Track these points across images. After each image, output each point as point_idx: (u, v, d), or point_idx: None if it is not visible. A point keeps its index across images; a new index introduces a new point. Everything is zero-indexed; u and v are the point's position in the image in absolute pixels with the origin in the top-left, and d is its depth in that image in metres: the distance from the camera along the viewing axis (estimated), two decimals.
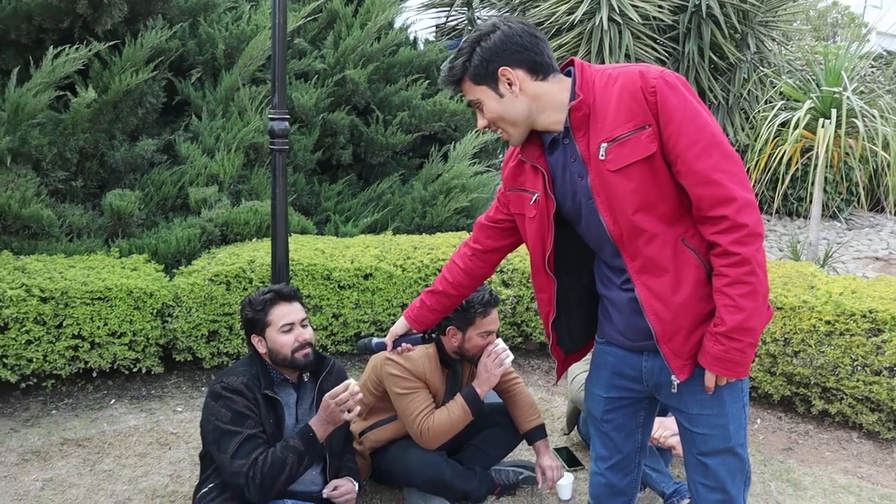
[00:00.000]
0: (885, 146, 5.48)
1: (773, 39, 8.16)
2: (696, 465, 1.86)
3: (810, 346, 3.39)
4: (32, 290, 3.29)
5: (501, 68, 1.69)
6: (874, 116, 5.45)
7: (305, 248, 4.01)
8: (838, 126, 5.40)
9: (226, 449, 2.24)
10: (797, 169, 6.32)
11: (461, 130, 5.76)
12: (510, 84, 1.71)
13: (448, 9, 8.68)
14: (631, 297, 1.77)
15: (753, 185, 5.55)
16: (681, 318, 1.71)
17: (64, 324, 3.36)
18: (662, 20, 7.25)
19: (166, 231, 4.18)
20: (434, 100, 5.53)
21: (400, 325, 2.19)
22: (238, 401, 2.28)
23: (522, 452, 3.12)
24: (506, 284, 4.10)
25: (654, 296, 1.72)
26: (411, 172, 5.58)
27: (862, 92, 6.02)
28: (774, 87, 7.09)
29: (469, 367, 2.81)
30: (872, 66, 8.41)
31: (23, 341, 3.29)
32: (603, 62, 6.95)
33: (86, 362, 3.47)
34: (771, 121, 5.76)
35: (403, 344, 2.21)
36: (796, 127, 5.53)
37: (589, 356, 2.06)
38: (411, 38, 6.48)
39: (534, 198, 1.81)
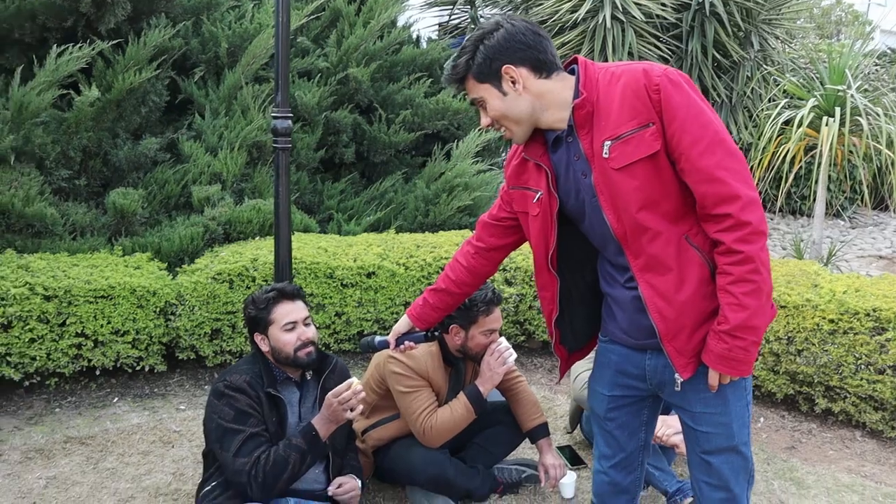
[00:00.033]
0: (889, 144, 5.46)
1: (777, 37, 8.13)
2: (699, 463, 1.85)
3: (814, 344, 3.38)
4: (36, 288, 3.29)
5: (505, 66, 1.69)
6: (878, 114, 5.44)
7: (308, 247, 4.01)
8: (842, 124, 5.39)
9: (228, 447, 2.24)
10: (801, 167, 6.30)
11: (464, 129, 5.76)
12: (514, 82, 1.70)
13: (451, 7, 8.68)
14: (634, 295, 1.77)
15: (757, 184, 5.52)
16: (684, 316, 1.71)
17: (67, 322, 3.37)
18: (665, 18, 7.23)
19: (169, 229, 4.19)
20: (437, 98, 5.53)
21: (403, 324, 2.19)
22: (241, 399, 2.29)
23: (525, 451, 3.12)
24: (509, 282, 4.09)
25: (657, 294, 1.71)
26: (414, 171, 5.58)
27: (866, 90, 6.01)
28: (778, 85, 7.08)
29: (472, 365, 2.80)
30: (876, 64, 8.38)
31: (26, 339, 3.30)
32: (606, 60, 6.94)
33: (89, 360, 3.48)
34: (774, 119, 5.74)
35: (406, 342, 2.20)
36: (800, 125, 5.52)
37: (592, 354, 2.06)
38: (414, 36, 6.47)
39: (537, 196, 1.81)
